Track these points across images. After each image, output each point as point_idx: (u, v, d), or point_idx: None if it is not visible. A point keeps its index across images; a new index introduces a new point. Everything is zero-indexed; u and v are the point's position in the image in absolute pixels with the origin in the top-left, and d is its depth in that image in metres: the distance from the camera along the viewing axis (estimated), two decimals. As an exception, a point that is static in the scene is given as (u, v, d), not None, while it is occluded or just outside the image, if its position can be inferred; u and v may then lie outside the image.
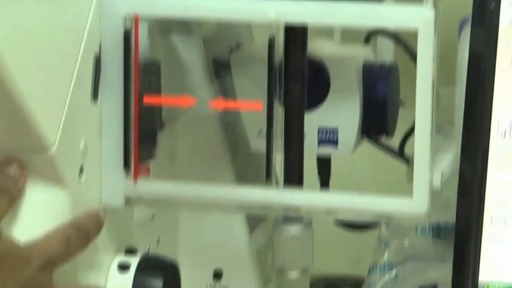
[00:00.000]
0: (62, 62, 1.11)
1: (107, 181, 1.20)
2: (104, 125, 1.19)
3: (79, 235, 1.13)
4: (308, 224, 1.32)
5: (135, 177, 1.20)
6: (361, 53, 1.32)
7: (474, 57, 1.20)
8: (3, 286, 1.03)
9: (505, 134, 1.18)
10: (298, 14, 1.16)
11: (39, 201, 1.11)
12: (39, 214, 1.12)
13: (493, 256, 1.20)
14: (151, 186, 1.23)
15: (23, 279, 1.05)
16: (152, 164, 1.26)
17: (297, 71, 1.20)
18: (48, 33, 1.08)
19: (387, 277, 1.34)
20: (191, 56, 1.30)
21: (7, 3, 1.01)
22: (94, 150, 1.17)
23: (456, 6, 1.22)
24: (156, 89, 1.23)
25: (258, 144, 1.26)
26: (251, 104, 1.23)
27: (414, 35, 1.14)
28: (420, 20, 1.14)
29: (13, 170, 1.13)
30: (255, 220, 1.40)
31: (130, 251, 1.22)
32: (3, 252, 1.04)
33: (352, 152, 1.31)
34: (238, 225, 1.38)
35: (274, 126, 1.19)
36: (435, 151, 1.17)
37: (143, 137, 1.20)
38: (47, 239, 1.09)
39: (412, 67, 1.15)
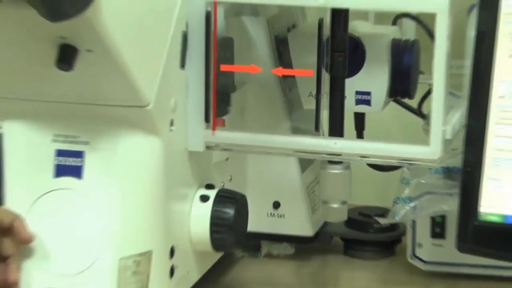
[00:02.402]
0: (157, 38, 1.14)
1: (191, 132, 1.23)
2: (190, 87, 1.22)
3: None
4: (347, 166, 1.31)
5: (213, 128, 1.23)
6: (390, 32, 1.33)
7: (480, 35, 1.20)
8: None
9: (502, 96, 1.18)
10: (341, 1, 1.18)
11: (138, 146, 1.15)
12: (138, 158, 1.15)
13: (491, 192, 1.20)
14: (225, 135, 1.24)
15: None
16: (226, 118, 1.26)
17: (340, 46, 1.21)
18: (147, 15, 1.11)
19: (407, 207, 1.35)
20: (258, 34, 1.31)
21: None
22: (182, 107, 1.20)
23: None
24: (230, 60, 1.24)
25: (309, 103, 1.29)
26: (304, 71, 1.27)
27: (432, 17, 1.15)
28: (438, 6, 1.15)
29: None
30: (306, 162, 1.40)
31: (209, 186, 1.25)
32: None
33: (381, 110, 1.32)
34: (293, 166, 1.39)
35: (321, 89, 1.22)
36: (447, 110, 1.19)
37: (219, 97, 1.23)
38: None
39: (430, 43, 1.17)
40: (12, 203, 1.16)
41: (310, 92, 1.27)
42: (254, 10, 1.31)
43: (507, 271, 1.34)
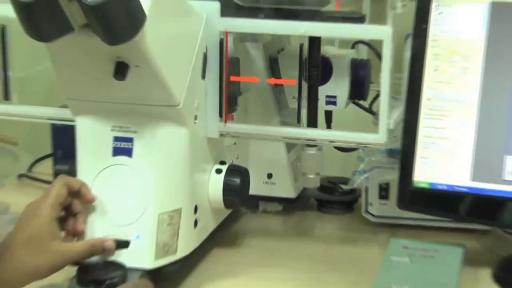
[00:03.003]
0: (185, 57, 1.15)
1: (209, 124, 1.22)
2: (208, 92, 1.21)
3: None
4: (320, 148, 1.31)
5: (225, 121, 1.22)
6: (350, 53, 1.32)
7: (413, 56, 1.20)
8: None
9: (429, 99, 1.19)
10: (316, 31, 1.19)
11: (171, 135, 1.15)
12: (171, 143, 1.15)
13: (421, 167, 1.20)
14: (234, 126, 1.24)
15: None
16: (235, 114, 1.26)
17: (315, 63, 1.21)
18: (178, 41, 1.12)
19: (362, 177, 1.36)
20: (256, 54, 1.32)
21: (165, 24, 1.06)
22: (202, 106, 1.20)
23: (403, 26, 1.20)
24: (237, 73, 1.24)
25: (293, 104, 1.29)
26: (289, 81, 1.28)
27: (380, 43, 1.16)
28: (383, 35, 1.15)
29: None
30: (291, 145, 1.40)
31: (222, 162, 1.25)
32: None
33: (344, 108, 1.31)
34: (281, 148, 1.39)
35: (301, 93, 1.23)
36: (390, 108, 1.19)
37: (229, 100, 1.23)
38: None
39: (378, 62, 1.18)
40: (82, 175, 1.17)
41: (294, 96, 1.25)
42: (254, 38, 1.30)
43: (432, 222, 1.34)
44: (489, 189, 1.18)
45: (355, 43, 1.36)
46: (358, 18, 1.22)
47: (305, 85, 1.22)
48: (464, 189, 1.19)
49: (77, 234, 1.13)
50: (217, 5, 1.19)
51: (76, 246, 1.09)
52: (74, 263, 1.10)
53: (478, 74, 1.18)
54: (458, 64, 1.19)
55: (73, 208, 1.13)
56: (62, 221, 1.13)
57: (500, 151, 1.17)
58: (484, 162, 1.18)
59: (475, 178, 1.19)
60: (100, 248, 1.10)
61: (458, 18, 1.19)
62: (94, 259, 1.11)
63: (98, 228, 1.14)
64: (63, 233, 1.13)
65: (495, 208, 1.18)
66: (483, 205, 1.19)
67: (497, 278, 1.21)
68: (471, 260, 1.22)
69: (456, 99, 1.19)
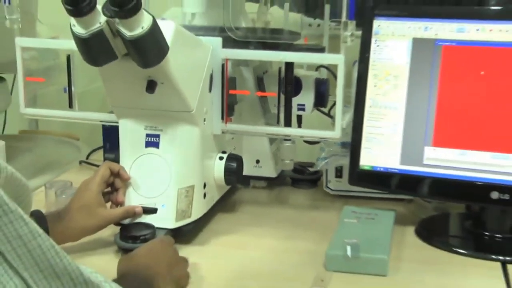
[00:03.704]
0: (197, 77, 1.14)
1: (214, 124, 1.20)
2: (214, 102, 1.19)
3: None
4: (293, 141, 1.32)
5: (226, 122, 1.21)
6: (314, 74, 1.28)
7: (359, 76, 1.20)
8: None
9: (371, 106, 1.18)
10: (290, 58, 1.17)
11: (187, 133, 1.13)
12: (187, 138, 1.14)
13: (365, 155, 1.20)
14: (232, 126, 1.22)
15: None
16: (232, 118, 1.23)
17: (290, 81, 1.19)
18: (193, 65, 1.12)
19: (323, 162, 1.34)
20: (248, 75, 1.29)
21: (182, 53, 1.05)
22: (209, 112, 1.18)
23: (352, 55, 1.19)
24: (234, 87, 1.21)
25: (274, 110, 1.26)
26: (271, 94, 1.26)
27: (335, 67, 1.15)
28: (338, 61, 1.14)
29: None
30: (273, 139, 1.37)
31: (223, 152, 1.23)
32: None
33: (310, 113, 1.28)
34: (266, 142, 1.35)
35: (280, 102, 1.21)
36: (343, 113, 1.17)
37: (229, 107, 1.21)
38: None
39: (335, 80, 1.16)
40: (124, 161, 1.16)
41: (274, 104, 1.24)
42: (246, 63, 1.29)
43: (373, 193, 1.33)
44: (412, 170, 1.18)
45: (318, 67, 1.33)
46: (320, 49, 1.22)
47: (282, 97, 1.21)
48: (395, 170, 1.19)
49: (119, 204, 1.12)
50: (220, 40, 1.18)
51: (115, 212, 1.09)
52: (116, 224, 1.10)
53: (405, 89, 1.18)
54: (390, 82, 1.19)
55: (115, 185, 1.12)
56: (108, 194, 1.13)
57: (420, 143, 1.17)
58: (409, 151, 1.18)
59: (402, 162, 1.18)
60: (132, 213, 1.10)
61: (390, 49, 1.18)
62: (128, 221, 1.11)
63: (134, 199, 1.13)
64: (109, 204, 1.13)
65: (417, 184, 1.18)
66: (409, 181, 1.18)
67: (418, 233, 1.21)
68: (400, 221, 1.22)
69: (389, 106, 1.19)
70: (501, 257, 1.09)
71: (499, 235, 1.16)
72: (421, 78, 1.17)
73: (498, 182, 1.12)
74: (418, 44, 1.16)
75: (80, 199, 1.06)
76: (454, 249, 1.13)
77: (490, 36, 1.13)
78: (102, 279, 0.71)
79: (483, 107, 1.14)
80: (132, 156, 1.15)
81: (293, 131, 1.23)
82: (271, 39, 1.29)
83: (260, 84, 1.30)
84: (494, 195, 1.12)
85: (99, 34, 0.98)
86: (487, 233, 1.17)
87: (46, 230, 1.00)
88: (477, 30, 1.14)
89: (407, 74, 1.17)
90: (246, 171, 1.28)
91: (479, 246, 1.15)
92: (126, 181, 1.13)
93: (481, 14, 1.15)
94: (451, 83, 1.15)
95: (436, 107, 1.16)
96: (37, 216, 1.02)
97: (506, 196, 1.11)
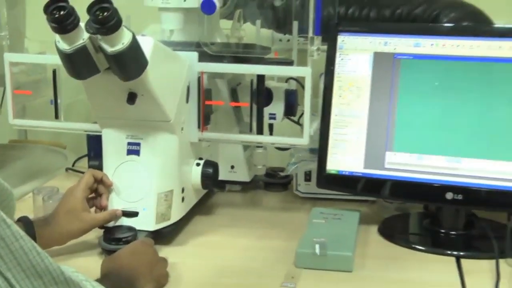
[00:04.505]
0: (175, 89, 1.13)
1: (192, 132, 1.19)
2: (190, 112, 1.18)
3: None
4: (265, 148, 1.33)
5: (202, 131, 1.20)
6: (285, 85, 1.27)
7: (325, 87, 1.20)
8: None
9: (336, 115, 1.18)
10: (261, 71, 1.17)
11: (166, 141, 1.12)
12: (166, 145, 1.13)
13: (332, 160, 1.19)
14: (208, 134, 1.21)
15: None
16: (208, 126, 1.22)
17: (261, 92, 1.18)
18: (171, 78, 1.11)
19: (293, 167, 1.33)
20: (222, 87, 1.27)
21: (161, 66, 1.04)
22: (187, 121, 1.17)
23: (318, 67, 1.19)
24: (210, 98, 1.20)
25: (247, 119, 1.24)
26: (244, 104, 1.25)
27: (304, 78, 1.15)
28: (306, 73, 1.14)
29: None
30: (246, 146, 1.35)
31: (200, 159, 1.22)
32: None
33: (281, 121, 1.27)
34: (240, 149, 1.33)
35: (252, 112, 1.20)
36: (311, 121, 1.17)
37: (205, 116, 1.20)
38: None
39: (303, 90, 1.16)
40: (107, 168, 1.15)
41: (247, 114, 1.23)
42: (221, 75, 1.28)
43: (339, 195, 1.31)
44: (375, 173, 1.18)
45: (287, 79, 1.33)
46: (289, 62, 1.21)
47: (254, 106, 1.21)
48: (359, 174, 1.19)
49: (102, 208, 1.11)
50: (196, 55, 1.18)
51: (98, 216, 1.09)
52: (100, 227, 1.09)
53: (367, 98, 1.18)
54: (354, 93, 1.19)
55: (98, 190, 1.12)
56: (93, 200, 1.12)
57: (382, 149, 1.18)
58: (372, 156, 1.18)
59: (366, 166, 1.19)
60: (114, 216, 1.09)
61: (353, 63, 1.19)
62: (111, 224, 1.11)
63: (117, 203, 1.12)
64: (93, 209, 1.12)
65: (379, 186, 1.18)
66: (372, 184, 1.19)
67: (381, 231, 1.21)
68: (364, 220, 1.22)
69: (353, 115, 1.19)
70: (455, 252, 1.11)
71: (453, 232, 1.17)
72: (382, 89, 1.17)
73: (452, 184, 1.13)
74: (379, 58, 1.17)
75: (66, 205, 1.06)
76: (414, 245, 1.14)
77: (443, 50, 1.14)
78: (83, 278, 0.70)
79: (439, 115, 1.15)
80: (115, 163, 1.13)
81: (265, 138, 1.23)
82: (244, 53, 1.29)
83: (234, 95, 1.29)
84: (449, 195, 1.13)
85: (82, 49, 0.97)
86: (443, 231, 1.18)
87: (34, 235, 0.99)
88: (432, 44, 1.15)
89: (369, 85, 1.18)
90: (221, 176, 1.27)
91: (436, 242, 1.16)
92: (109, 187, 1.12)
93: (435, 31, 1.17)
94: (409, 93, 1.16)
95: (396, 115, 1.16)
96: (25, 222, 1.01)
97: (460, 197, 1.12)
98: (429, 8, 1.30)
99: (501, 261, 1.04)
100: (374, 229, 1.21)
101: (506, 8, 1.44)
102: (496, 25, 1.25)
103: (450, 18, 1.28)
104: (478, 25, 1.25)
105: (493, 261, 1.04)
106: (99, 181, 1.11)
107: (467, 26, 1.25)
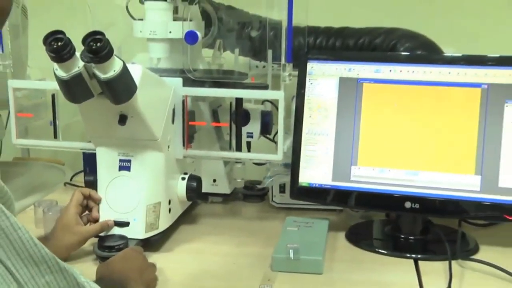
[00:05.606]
0: (162, 111, 1.13)
1: (177, 150, 1.19)
2: (176, 131, 1.18)
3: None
4: (243, 163, 1.31)
5: (187, 148, 1.20)
6: (261, 107, 1.28)
7: (296, 108, 1.19)
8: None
9: (307, 133, 1.19)
10: (240, 94, 1.18)
11: (154, 158, 1.11)
12: (154, 162, 1.12)
13: (304, 173, 1.19)
14: (192, 152, 1.21)
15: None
16: (192, 144, 1.21)
17: (240, 113, 1.19)
18: (158, 101, 1.11)
19: (269, 180, 1.31)
20: (205, 109, 1.27)
21: (149, 91, 1.04)
22: (173, 140, 1.17)
23: (290, 91, 1.19)
24: (193, 119, 1.20)
25: (227, 137, 1.25)
26: (224, 124, 1.25)
27: (277, 101, 1.15)
28: (279, 96, 1.15)
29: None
30: (227, 162, 1.34)
31: (185, 173, 1.21)
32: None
33: (258, 140, 1.27)
34: (221, 164, 1.33)
35: (231, 130, 1.20)
36: (284, 139, 1.18)
37: (189, 135, 1.20)
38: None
39: (276, 112, 1.16)
40: (101, 183, 1.14)
41: (227, 132, 1.23)
42: (203, 98, 1.28)
43: (310, 205, 1.32)
44: (342, 185, 1.18)
45: (263, 101, 1.33)
46: (264, 87, 1.21)
47: (234, 126, 1.21)
48: (328, 186, 1.19)
49: (94, 220, 1.11)
50: (180, 80, 1.18)
51: (91, 227, 1.09)
52: (94, 237, 1.09)
53: (334, 119, 1.18)
54: (322, 113, 1.19)
55: (89, 205, 1.12)
56: (86, 215, 1.12)
57: (348, 163, 1.18)
58: (339, 170, 1.18)
59: (334, 179, 1.19)
60: (106, 227, 1.09)
61: (321, 87, 1.19)
62: (104, 233, 1.10)
63: (110, 215, 1.12)
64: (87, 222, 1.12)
65: (345, 197, 1.18)
66: (339, 195, 1.19)
67: (348, 237, 1.21)
68: (332, 228, 1.22)
69: (322, 133, 1.19)
70: (413, 255, 1.11)
71: (412, 237, 1.18)
72: (347, 110, 1.18)
73: (410, 194, 1.14)
74: (344, 82, 1.18)
75: (61, 221, 1.07)
76: (377, 249, 1.14)
77: (401, 75, 1.16)
78: (76, 271, 0.70)
79: (397, 133, 1.16)
80: (108, 178, 1.13)
81: (243, 155, 1.22)
82: (223, 78, 1.28)
83: (215, 116, 1.29)
84: (407, 204, 1.14)
85: (78, 76, 0.97)
86: (402, 236, 1.18)
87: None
88: (390, 71, 1.17)
89: (336, 106, 1.18)
90: (204, 189, 1.26)
91: (397, 246, 1.16)
92: (97, 201, 1.11)
93: (393, 58, 1.19)
94: (371, 114, 1.17)
95: (360, 133, 1.17)
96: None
97: (417, 206, 1.13)
98: (387, 38, 1.32)
99: (453, 262, 1.06)
100: (341, 235, 1.21)
101: (453, 38, 1.46)
102: (445, 54, 1.28)
103: (406, 47, 1.30)
104: (430, 54, 1.27)
105: (447, 262, 1.05)
106: (88, 197, 1.10)
107: (421, 55, 1.27)
